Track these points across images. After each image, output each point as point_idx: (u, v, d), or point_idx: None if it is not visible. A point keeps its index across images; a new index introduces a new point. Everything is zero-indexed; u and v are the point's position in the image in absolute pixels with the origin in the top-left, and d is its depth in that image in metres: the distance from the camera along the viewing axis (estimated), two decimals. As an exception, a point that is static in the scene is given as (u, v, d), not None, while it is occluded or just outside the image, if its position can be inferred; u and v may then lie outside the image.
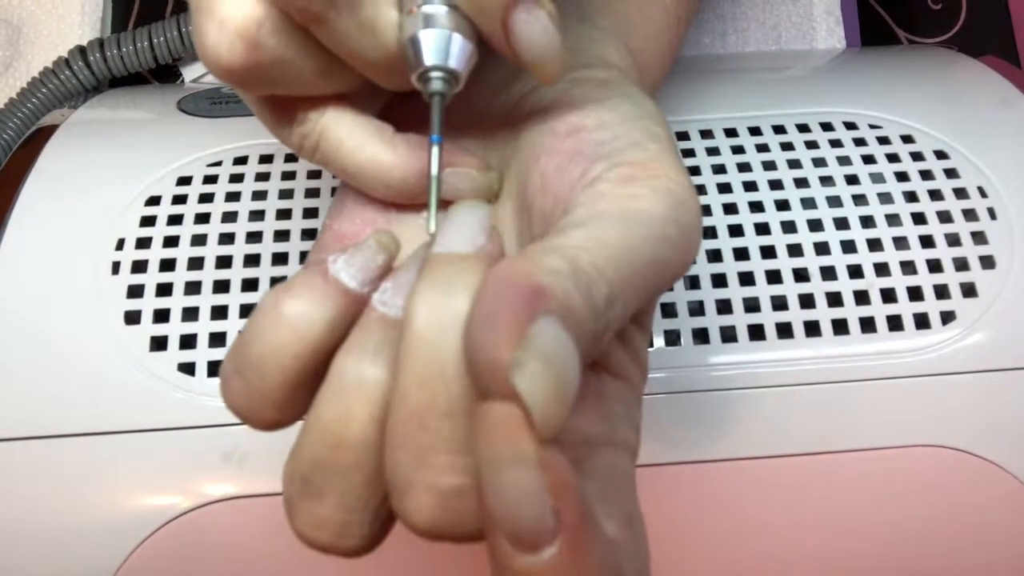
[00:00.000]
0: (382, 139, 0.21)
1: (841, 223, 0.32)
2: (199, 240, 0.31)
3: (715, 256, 0.31)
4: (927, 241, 0.31)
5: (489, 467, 0.14)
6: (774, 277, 0.31)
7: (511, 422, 0.14)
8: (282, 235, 0.31)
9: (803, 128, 0.34)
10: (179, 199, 0.32)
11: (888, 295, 0.30)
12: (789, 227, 0.31)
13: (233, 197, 0.32)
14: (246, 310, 0.30)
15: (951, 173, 0.33)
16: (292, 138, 0.22)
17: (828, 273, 0.31)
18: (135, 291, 0.30)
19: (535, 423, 0.14)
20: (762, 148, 0.34)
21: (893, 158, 0.33)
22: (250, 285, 0.30)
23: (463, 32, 0.19)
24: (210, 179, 0.33)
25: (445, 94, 0.19)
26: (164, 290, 0.30)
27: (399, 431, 0.16)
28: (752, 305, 0.30)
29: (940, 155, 0.33)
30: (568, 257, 0.16)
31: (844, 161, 0.33)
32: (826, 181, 0.33)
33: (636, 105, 0.21)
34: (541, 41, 0.18)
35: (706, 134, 0.34)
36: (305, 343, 0.18)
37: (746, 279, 0.30)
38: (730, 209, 0.32)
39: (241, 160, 0.33)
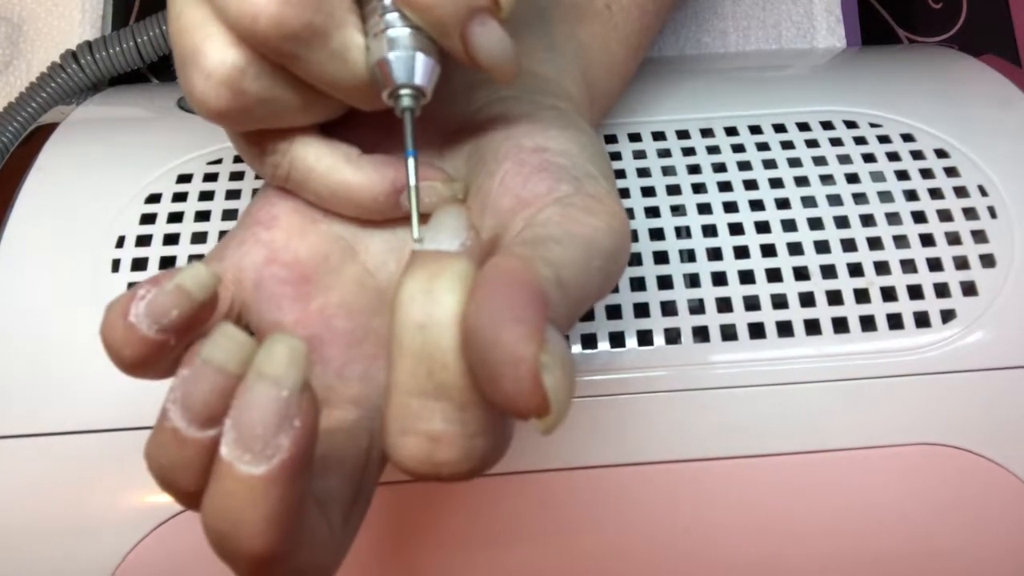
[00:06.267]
0: (349, 162, 0.23)
1: (841, 221, 0.32)
2: (199, 238, 0.31)
3: (715, 254, 0.31)
4: (927, 240, 0.31)
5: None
6: (774, 275, 0.30)
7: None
8: (282, 233, 0.31)
9: (803, 127, 0.34)
10: (179, 197, 0.32)
11: (888, 293, 0.30)
12: (789, 225, 0.31)
13: (233, 195, 0.32)
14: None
15: (951, 172, 0.33)
16: (264, 168, 0.23)
17: (828, 271, 0.31)
18: (135, 289, 0.30)
19: (552, 419, 0.15)
20: (762, 147, 0.34)
21: (893, 157, 0.33)
22: (250, 283, 0.30)
23: (425, 50, 0.20)
24: (210, 177, 0.33)
25: (414, 109, 0.21)
26: (164, 288, 0.30)
27: (401, 388, 0.17)
28: (752, 303, 0.30)
29: (940, 154, 0.33)
30: (555, 272, 0.17)
31: (844, 160, 0.33)
32: (826, 179, 0.33)
33: (590, 142, 0.23)
34: (498, 48, 0.20)
35: (706, 132, 0.34)
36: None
37: (746, 277, 0.30)
38: (730, 207, 0.32)
39: (241, 158, 0.33)
